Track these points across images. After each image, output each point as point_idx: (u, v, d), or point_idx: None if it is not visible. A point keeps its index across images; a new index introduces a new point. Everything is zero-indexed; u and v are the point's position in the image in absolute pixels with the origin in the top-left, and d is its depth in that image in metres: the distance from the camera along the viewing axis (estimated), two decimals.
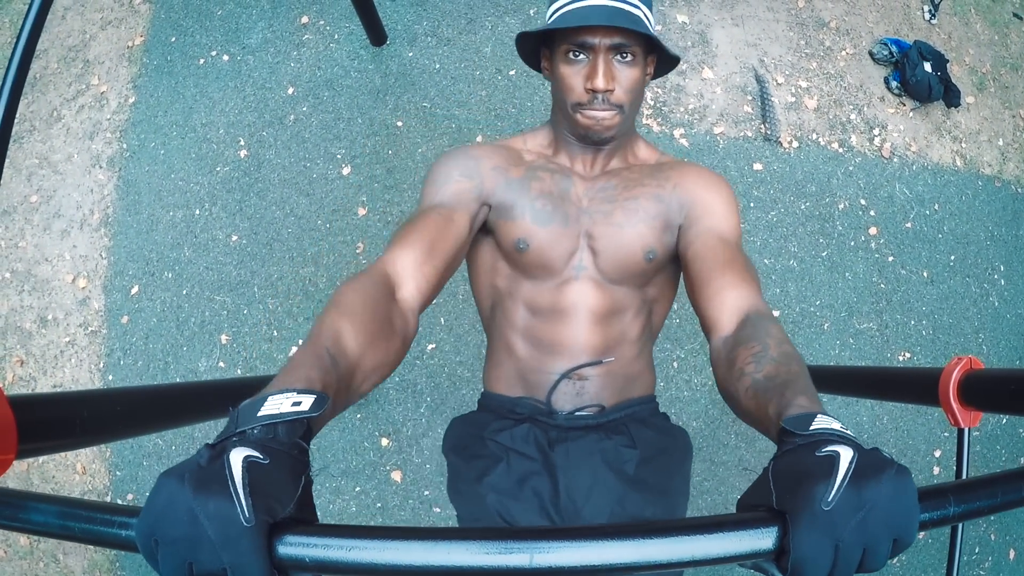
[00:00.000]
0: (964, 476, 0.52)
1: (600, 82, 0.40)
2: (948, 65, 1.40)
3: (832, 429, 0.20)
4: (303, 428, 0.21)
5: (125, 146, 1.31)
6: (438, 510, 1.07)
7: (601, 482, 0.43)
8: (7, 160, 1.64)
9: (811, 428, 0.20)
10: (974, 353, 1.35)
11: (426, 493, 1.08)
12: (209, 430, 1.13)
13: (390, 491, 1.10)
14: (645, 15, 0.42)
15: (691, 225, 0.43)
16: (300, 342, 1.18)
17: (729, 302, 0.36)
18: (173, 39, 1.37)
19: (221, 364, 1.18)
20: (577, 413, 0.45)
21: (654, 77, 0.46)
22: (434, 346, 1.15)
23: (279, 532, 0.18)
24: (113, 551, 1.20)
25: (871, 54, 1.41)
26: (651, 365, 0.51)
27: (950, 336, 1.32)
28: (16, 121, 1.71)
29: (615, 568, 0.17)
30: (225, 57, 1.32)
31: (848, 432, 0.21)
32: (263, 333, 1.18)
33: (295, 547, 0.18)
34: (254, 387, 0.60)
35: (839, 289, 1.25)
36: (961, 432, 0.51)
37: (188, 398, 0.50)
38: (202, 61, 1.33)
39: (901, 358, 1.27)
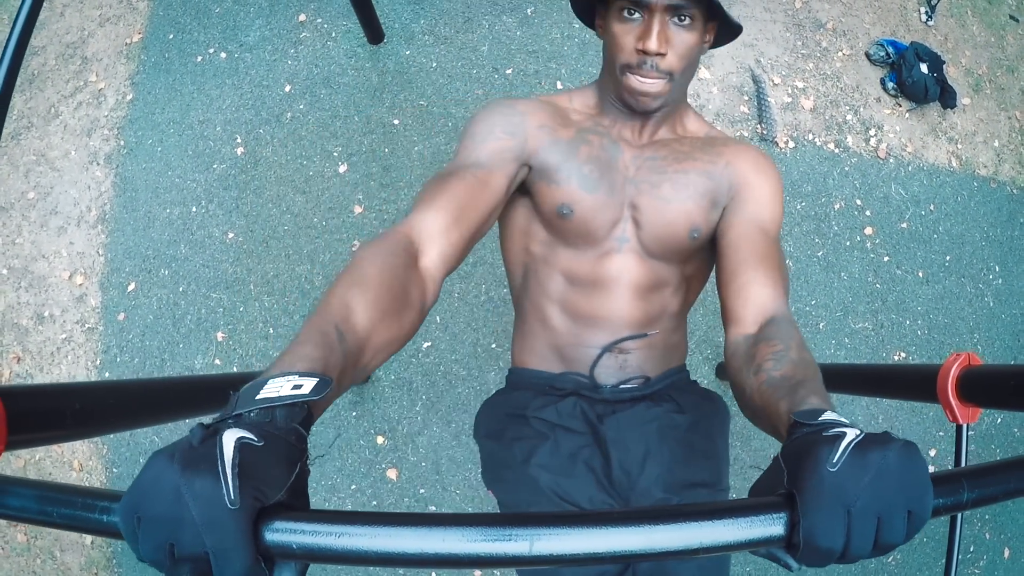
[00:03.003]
0: (965, 454, 0.51)
1: (652, 43, 0.37)
2: (944, 66, 1.41)
3: (841, 420, 0.20)
4: (303, 413, 0.20)
5: (123, 143, 1.32)
6: (434, 508, 1.07)
7: (654, 451, 0.42)
8: (5, 157, 1.63)
9: (820, 419, 0.20)
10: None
11: (422, 491, 1.09)
12: None
13: (385, 489, 1.10)
14: None
15: (735, 208, 0.41)
16: None
17: (755, 300, 0.35)
18: (171, 36, 1.37)
19: (217, 361, 1.18)
20: (623, 385, 0.44)
21: (713, 46, 0.43)
22: (430, 344, 1.16)
23: (266, 517, 0.17)
24: (110, 548, 1.20)
25: (868, 55, 1.42)
26: (684, 338, 0.50)
27: (945, 336, 1.33)
28: (14, 118, 1.70)
29: (621, 556, 0.16)
30: (223, 55, 1.32)
31: (848, 422, 0.21)
32: (259, 331, 1.19)
33: (282, 533, 0.17)
34: (245, 382, 0.60)
35: (835, 289, 1.25)
36: (959, 429, 0.50)
37: (180, 392, 0.49)
38: (200, 58, 1.33)
39: (896, 357, 1.28)
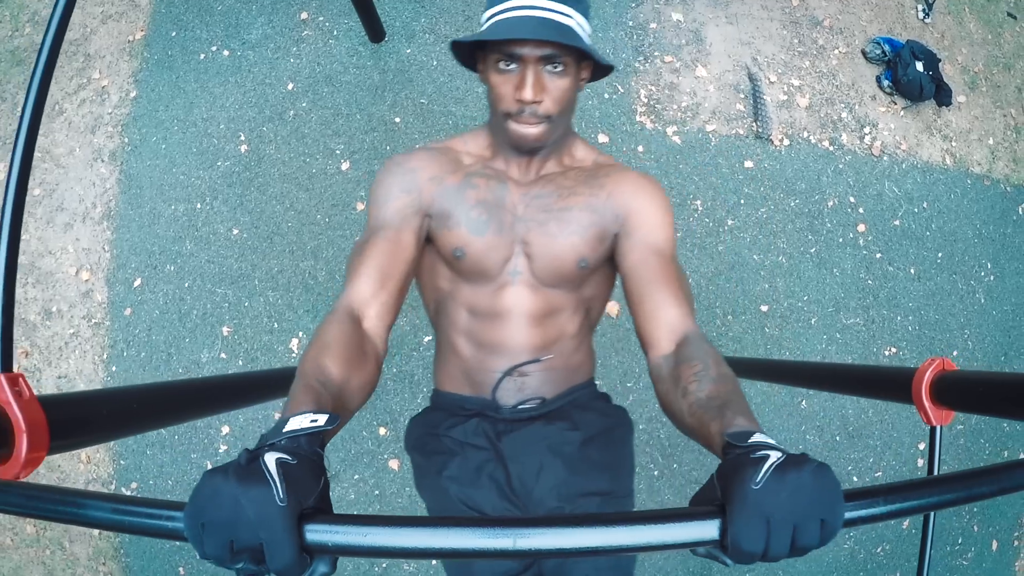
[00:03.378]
0: (936, 471, 0.54)
1: (528, 93, 0.41)
2: (940, 64, 1.42)
3: (767, 442, 0.25)
4: (319, 439, 0.26)
5: (127, 140, 1.34)
6: None
7: (547, 465, 0.48)
8: (10, 153, 1.65)
9: (750, 441, 0.25)
10: (959, 348, 1.40)
11: None
12: (211, 420, 1.18)
13: (387, 479, 1.14)
14: (578, 23, 0.42)
15: (627, 236, 0.45)
16: (300, 335, 1.21)
17: (666, 322, 0.39)
18: (173, 34, 1.39)
19: (223, 355, 1.22)
20: (520, 407, 0.49)
21: (591, 81, 0.46)
22: (430, 338, 1.19)
23: (306, 521, 0.22)
24: (117, 539, 1.25)
25: (864, 53, 1.44)
26: (590, 353, 0.55)
27: (936, 332, 1.36)
28: (18, 115, 1.72)
29: (584, 551, 0.20)
30: (225, 52, 1.34)
31: (773, 442, 0.25)
32: (264, 325, 1.22)
33: (319, 533, 0.21)
34: (263, 381, 0.63)
35: (827, 285, 1.28)
36: (933, 430, 0.53)
37: (200, 393, 0.54)
38: (203, 56, 1.36)
39: (887, 353, 1.32)
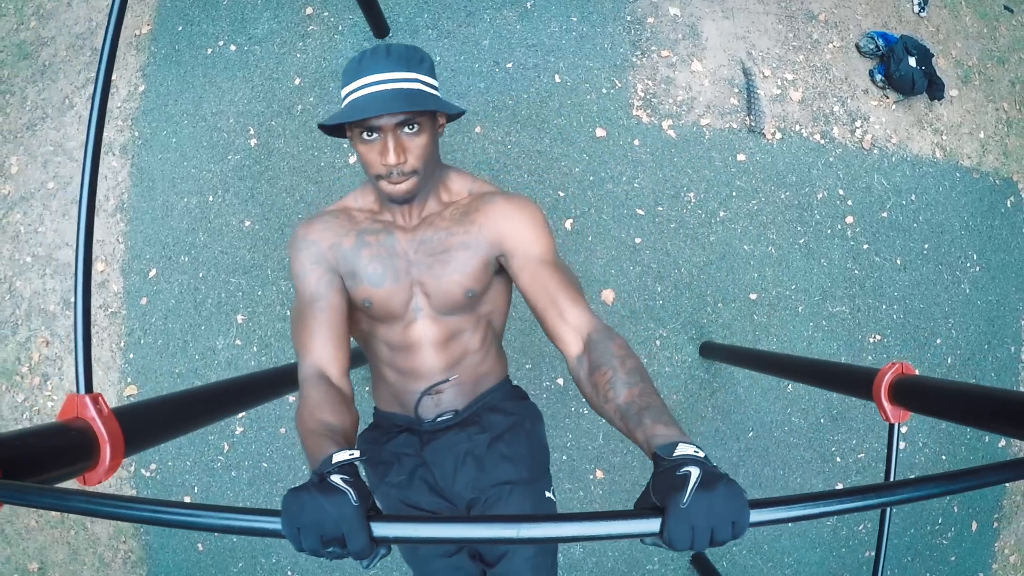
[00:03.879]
0: (894, 464, 0.61)
1: (391, 158, 0.47)
2: (934, 59, 1.46)
3: (688, 455, 0.33)
4: (355, 468, 0.36)
5: (137, 134, 1.39)
6: None
7: (460, 466, 0.59)
8: (22, 148, 1.71)
9: (675, 455, 0.33)
10: (943, 337, 1.47)
11: None
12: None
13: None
14: (424, 82, 0.48)
15: (511, 256, 0.52)
16: None
17: (570, 327, 0.47)
18: (180, 28, 1.43)
19: (238, 342, 1.29)
20: (438, 419, 0.60)
21: (451, 120, 0.53)
22: None
23: (371, 520, 0.31)
24: None
25: (858, 47, 1.48)
26: (499, 357, 0.64)
27: (920, 320, 1.43)
28: (29, 109, 1.77)
29: (569, 538, 0.30)
30: (232, 47, 1.39)
31: (699, 454, 0.33)
32: (277, 313, 1.29)
33: (382, 529, 0.31)
34: (280, 376, 0.69)
35: (814, 274, 1.35)
36: (891, 427, 0.60)
37: (243, 389, 0.63)
38: (210, 51, 1.40)
39: (872, 340, 1.39)
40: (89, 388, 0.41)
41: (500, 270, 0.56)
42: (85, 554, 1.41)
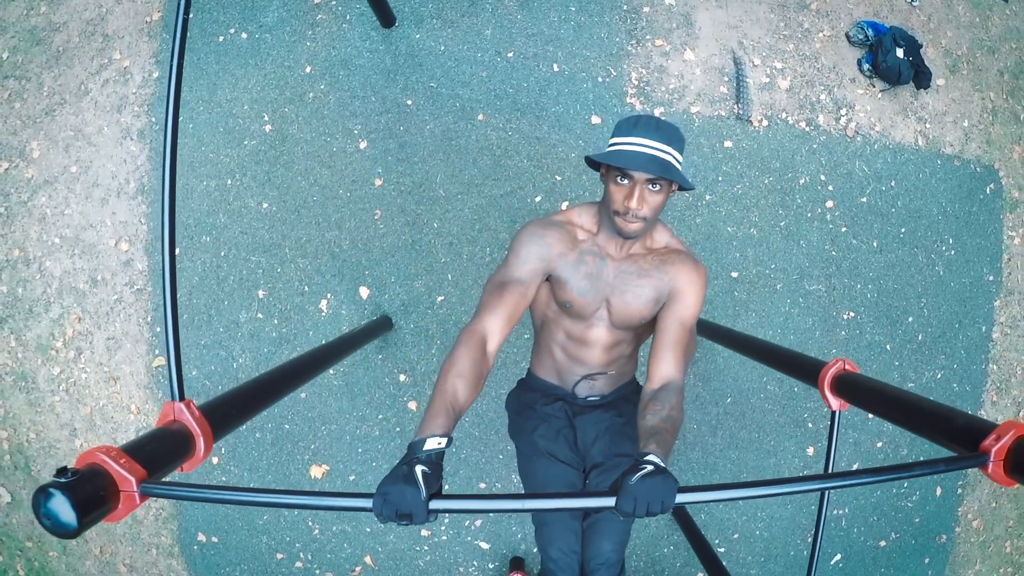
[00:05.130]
0: (834, 447, 0.75)
1: (634, 204, 0.65)
2: (922, 49, 1.54)
3: (651, 460, 0.50)
4: (441, 453, 0.52)
5: (154, 119, 1.50)
6: None
7: (601, 435, 0.82)
8: (42, 133, 1.84)
9: (644, 458, 0.51)
10: (915, 315, 1.63)
11: None
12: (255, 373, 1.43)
13: (407, 418, 1.39)
14: (675, 158, 0.65)
15: (670, 305, 0.73)
16: (329, 296, 1.41)
17: (663, 370, 0.68)
18: (191, 15, 1.54)
19: (259, 315, 1.45)
20: (589, 398, 0.83)
21: (680, 191, 0.72)
22: (443, 298, 1.40)
23: (431, 500, 0.48)
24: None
25: (847, 36, 1.56)
26: (636, 363, 0.86)
27: (893, 299, 1.58)
28: (47, 94, 1.89)
29: (561, 508, 0.50)
30: (243, 35, 1.48)
31: (660, 462, 0.50)
32: (296, 288, 1.42)
33: (437, 504, 0.48)
34: (338, 347, 0.97)
35: (793, 255, 1.48)
36: (833, 414, 0.74)
37: (297, 368, 0.80)
38: (221, 39, 1.50)
39: (845, 317, 1.55)
40: (182, 396, 0.54)
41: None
42: None
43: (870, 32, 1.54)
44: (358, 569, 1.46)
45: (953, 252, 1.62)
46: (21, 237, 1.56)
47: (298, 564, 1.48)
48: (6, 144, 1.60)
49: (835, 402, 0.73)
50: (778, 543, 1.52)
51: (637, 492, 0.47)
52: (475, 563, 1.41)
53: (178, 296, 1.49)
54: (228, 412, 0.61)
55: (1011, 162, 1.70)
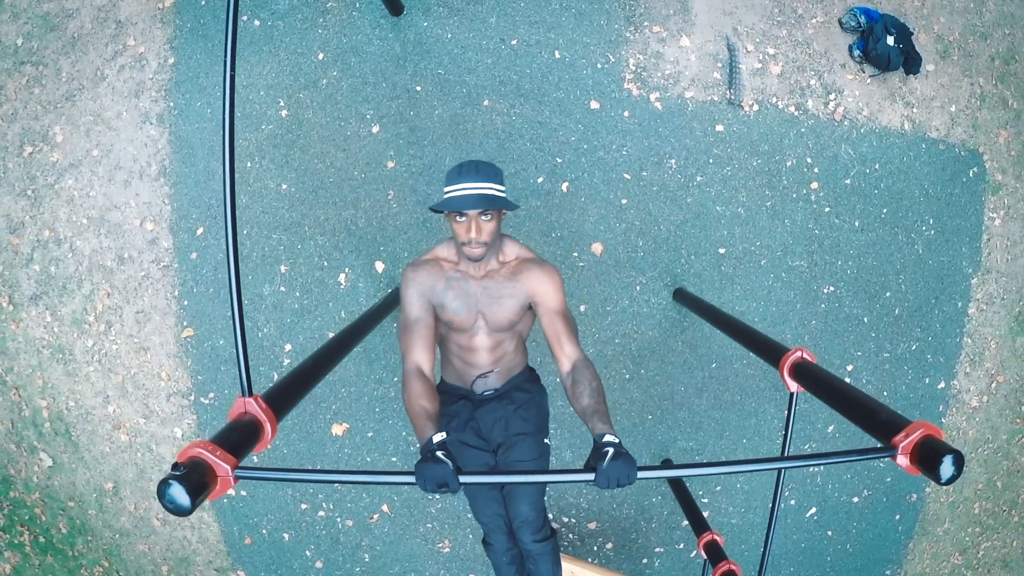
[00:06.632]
0: (791, 425, 0.89)
1: (473, 235, 0.86)
2: (913, 35, 1.62)
3: (609, 441, 0.72)
4: (446, 442, 0.76)
5: (172, 104, 1.61)
6: None
7: (497, 422, 1.03)
8: (64, 118, 1.98)
9: (602, 441, 0.72)
10: (892, 291, 1.80)
11: None
12: (275, 339, 1.60)
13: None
14: (497, 189, 0.86)
15: (537, 305, 0.93)
16: (347, 270, 1.57)
17: (565, 352, 0.89)
18: (203, 2, 1.64)
19: (282, 288, 1.61)
20: (485, 393, 1.04)
21: (509, 210, 0.90)
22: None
23: (459, 473, 0.70)
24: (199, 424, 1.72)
25: (840, 22, 1.66)
26: (524, 354, 1.08)
27: (872, 275, 1.74)
28: (65, 80, 2.03)
29: (549, 481, 0.73)
30: (256, 22, 1.59)
31: (615, 440, 0.72)
32: (316, 263, 1.57)
33: (465, 478, 0.71)
34: (367, 320, 1.18)
35: (777, 233, 1.63)
36: (791, 395, 0.88)
37: (339, 343, 0.96)
38: None
39: (826, 291, 1.72)
40: (251, 392, 0.65)
41: (530, 307, 0.97)
42: (151, 472, 1.81)
43: (863, 19, 1.62)
44: (376, 516, 1.68)
45: (933, 232, 1.76)
46: (51, 218, 1.72)
47: (321, 513, 1.69)
48: (29, 129, 1.73)
49: (793, 385, 0.88)
50: (757, 496, 1.74)
51: (608, 472, 0.68)
52: None
53: (204, 272, 1.68)
54: (285, 399, 0.75)
55: (996, 146, 1.83)
